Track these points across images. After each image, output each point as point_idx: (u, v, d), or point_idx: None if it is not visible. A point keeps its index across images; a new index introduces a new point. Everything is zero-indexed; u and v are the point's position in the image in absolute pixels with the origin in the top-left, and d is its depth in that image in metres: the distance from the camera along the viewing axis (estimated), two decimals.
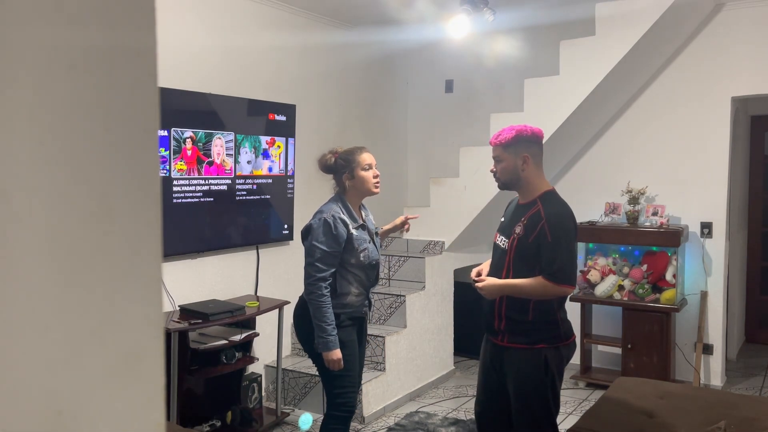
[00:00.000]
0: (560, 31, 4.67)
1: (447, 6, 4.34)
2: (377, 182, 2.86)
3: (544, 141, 2.53)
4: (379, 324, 4.47)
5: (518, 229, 2.50)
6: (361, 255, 2.78)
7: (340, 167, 2.83)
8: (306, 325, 2.82)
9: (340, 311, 2.78)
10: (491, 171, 2.62)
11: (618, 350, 4.61)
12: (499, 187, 2.64)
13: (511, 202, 2.73)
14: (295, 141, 4.31)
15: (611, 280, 4.54)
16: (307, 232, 2.79)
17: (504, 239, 2.58)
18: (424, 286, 4.58)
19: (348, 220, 2.77)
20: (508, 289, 2.47)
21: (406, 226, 3.12)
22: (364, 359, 3.08)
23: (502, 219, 2.69)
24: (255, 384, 4.00)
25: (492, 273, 2.60)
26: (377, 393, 4.10)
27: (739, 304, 5.45)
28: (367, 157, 2.83)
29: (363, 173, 2.81)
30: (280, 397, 3.97)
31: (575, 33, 4.44)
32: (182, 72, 3.64)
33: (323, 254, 2.70)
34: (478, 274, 2.61)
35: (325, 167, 2.87)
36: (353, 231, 2.77)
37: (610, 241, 4.58)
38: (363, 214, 2.93)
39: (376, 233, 2.99)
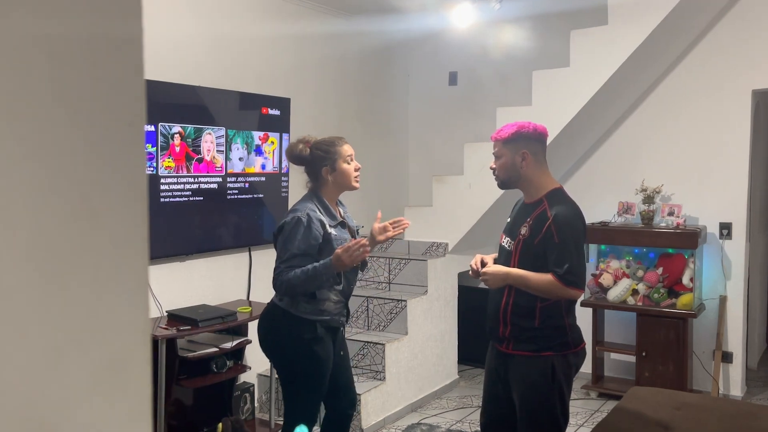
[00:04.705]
0: (571, 20, 4.66)
1: None
2: (358, 176, 2.79)
3: (553, 137, 2.57)
4: (379, 330, 4.47)
5: (523, 230, 2.51)
6: None
7: (318, 159, 2.75)
8: (272, 335, 2.76)
9: (317, 318, 2.70)
10: (491, 168, 2.63)
11: (632, 358, 4.61)
12: (498, 185, 2.65)
13: (518, 201, 2.73)
14: (289, 136, 4.31)
15: (625, 284, 4.54)
16: (279, 232, 2.71)
17: (509, 240, 2.58)
18: (426, 291, 4.59)
19: (325, 219, 2.70)
20: (513, 277, 2.47)
21: (394, 232, 2.84)
22: (351, 371, 3.02)
23: (508, 219, 2.70)
24: (247, 394, 4.00)
25: None
26: (376, 404, 4.10)
27: (760, 310, 5.45)
28: (348, 149, 2.78)
29: (345, 166, 2.75)
30: (273, 408, 3.97)
31: (586, 22, 4.44)
32: (170, 63, 3.64)
33: (293, 257, 2.61)
34: (483, 264, 2.59)
35: (297, 158, 2.78)
36: (331, 230, 2.70)
37: (624, 242, 4.58)
38: (341, 210, 2.87)
39: (357, 231, 2.90)
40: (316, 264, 2.62)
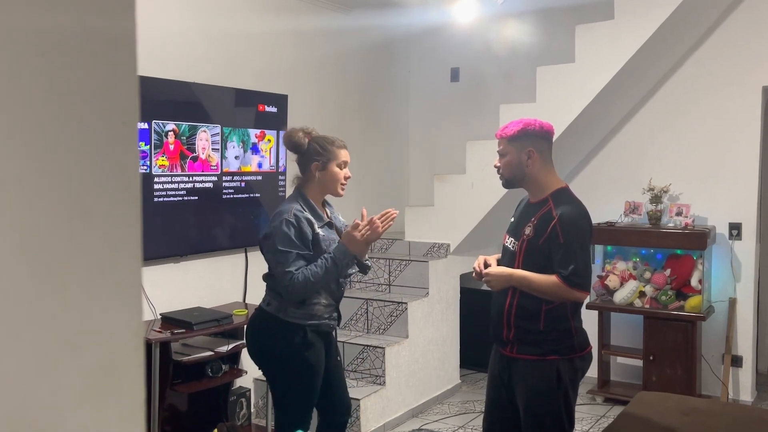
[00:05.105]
0: (576, 15, 4.67)
1: None
2: (345, 185, 2.78)
3: (557, 135, 2.58)
4: (379, 334, 4.47)
5: (528, 230, 2.51)
6: None
7: (313, 152, 2.74)
8: (261, 341, 2.76)
9: (306, 323, 2.69)
10: (495, 166, 2.63)
11: (639, 362, 4.61)
12: (503, 185, 2.64)
13: (521, 201, 2.73)
14: None
15: (631, 285, 4.54)
16: (266, 239, 2.68)
17: (513, 241, 2.58)
18: (427, 293, 4.59)
19: (312, 219, 2.70)
20: (517, 279, 2.47)
21: (383, 226, 2.71)
22: (344, 379, 3.02)
23: (512, 219, 2.70)
24: (243, 399, 4.00)
25: None
26: (376, 409, 4.10)
27: None
28: (345, 154, 2.77)
29: (336, 170, 2.74)
30: (270, 414, 3.97)
31: (592, 17, 4.44)
32: (164, 59, 3.64)
33: (298, 257, 2.61)
34: (486, 265, 2.59)
35: (294, 145, 2.77)
36: (319, 230, 2.70)
37: (631, 243, 4.57)
38: (328, 211, 2.86)
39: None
40: (328, 255, 2.63)
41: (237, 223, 4.09)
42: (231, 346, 3.67)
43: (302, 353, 2.70)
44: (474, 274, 2.61)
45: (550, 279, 2.42)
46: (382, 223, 2.68)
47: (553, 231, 2.43)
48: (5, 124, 0.56)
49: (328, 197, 2.88)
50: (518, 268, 2.51)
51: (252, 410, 4.16)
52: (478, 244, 4.78)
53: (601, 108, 4.47)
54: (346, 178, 2.78)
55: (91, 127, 0.61)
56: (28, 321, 0.57)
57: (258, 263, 4.29)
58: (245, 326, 2.87)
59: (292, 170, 4.39)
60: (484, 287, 2.79)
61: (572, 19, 4.62)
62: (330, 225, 2.80)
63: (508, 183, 2.62)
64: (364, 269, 2.89)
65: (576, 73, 4.33)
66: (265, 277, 2.83)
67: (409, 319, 4.40)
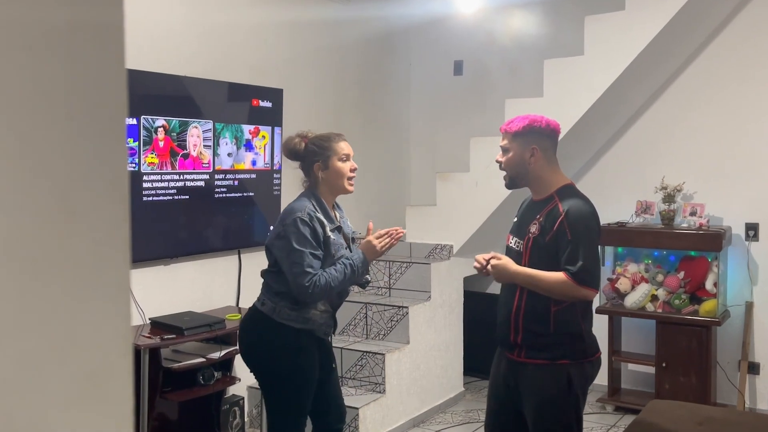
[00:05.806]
0: (585, 5, 4.66)
1: None
2: (353, 178, 2.80)
3: (566, 130, 2.59)
4: (379, 339, 4.47)
5: (533, 228, 2.51)
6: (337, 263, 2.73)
7: (312, 154, 2.76)
8: (254, 342, 2.78)
9: (301, 326, 2.71)
10: (497, 161, 2.64)
11: (651, 369, 4.61)
12: (507, 185, 2.65)
13: (525, 199, 2.74)
14: (282, 130, 4.32)
15: (643, 289, 4.54)
16: (279, 239, 2.68)
17: (518, 240, 2.59)
18: (429, 297, 4.59)
19: (324, 220, 2.71)
20: (522, 278, 2.48)
21: (390, 242, 2.80)
22: (339, 383, 3.05)
23: (515, 218, 2.70)
24: (237, 408, 4.00)
25: None
26: (376, 418, 4.10)
27: None
28: (345, 146, 2.78)
29: (339, 164, 2.75)
30: (264, 423, 3.97)
31: (602, 7, 4.44)
32: (154, 52, 3.64)
33: (313, 257, 2.63)
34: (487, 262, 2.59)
35: (292, 153, 2.80)
36: (330, 234, 2.71)
37: (642, 244, 4.58)
38: (338, 215, 2.87)
39: (353, 239, 2.90)
40: (347, 261, 2.68)
41: (230, 223, 4.09)
42: (223, 352, 3.67)
43: (294, 357, 2.73)
44: (476, 265, 2.59)
45: (557, 276, 2.42)
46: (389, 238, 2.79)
47: (560, 227, 2.44)
48: None
49: (338, 200, 2.90)
50: (525, 267, 2.52)
51: (246, 419, 4.16)
52: (483, 245, 4.77)
53: (611, 103, 4.47)
54: (352, 171, 2.79)
55: (78, 123, 0.61)
56: (10, 326, 0.57)
57: (252, 265, 4.29)
58: (239, 326, 2.90)
59: (288, 169, 4.40)
60: (489, 290, 2.80)
61: (581, 9, 4.62)
62: (339, 229, 2.81)
63: (511, 182, 2.63)
64: (364, 284, 2.96)
65: (585, 67, 4.33)
66: (264, 274, 2.83)
67: (410, 324, 4.40)
